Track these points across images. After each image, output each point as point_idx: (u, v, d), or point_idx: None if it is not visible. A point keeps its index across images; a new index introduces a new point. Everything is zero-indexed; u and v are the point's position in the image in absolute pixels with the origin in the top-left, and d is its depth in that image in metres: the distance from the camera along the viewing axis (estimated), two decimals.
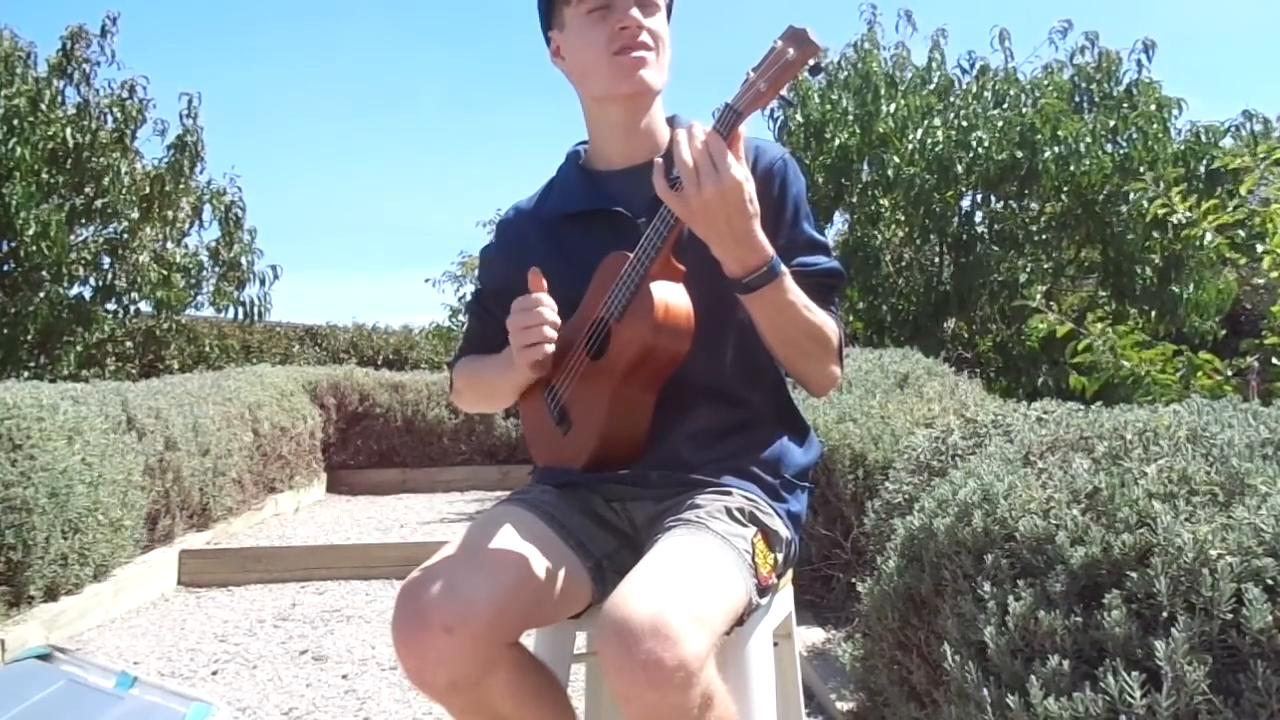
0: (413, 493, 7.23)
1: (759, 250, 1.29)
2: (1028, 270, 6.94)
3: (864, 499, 2.70)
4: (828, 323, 1.41)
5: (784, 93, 1.26)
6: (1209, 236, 3.72)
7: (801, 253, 1.44)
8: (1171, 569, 1.14)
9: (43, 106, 7.11)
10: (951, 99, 7.11)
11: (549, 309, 1.37)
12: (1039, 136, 6.56)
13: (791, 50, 1.22)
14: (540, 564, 1.31)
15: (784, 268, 1.32)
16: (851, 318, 7.14)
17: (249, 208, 8.16)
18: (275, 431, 6.13)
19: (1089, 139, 6.55)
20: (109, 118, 7.48)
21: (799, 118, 7.07)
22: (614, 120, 1.49)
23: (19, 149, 6.79)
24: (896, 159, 6.73)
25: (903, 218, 7.15)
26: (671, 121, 1.53)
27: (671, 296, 1.35)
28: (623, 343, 1.37)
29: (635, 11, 1.40)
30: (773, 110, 7.26)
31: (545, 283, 1.39)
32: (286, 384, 6.77)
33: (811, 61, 1.23)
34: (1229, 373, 3.31)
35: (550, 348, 1.37)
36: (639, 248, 1.35)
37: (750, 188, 1.26)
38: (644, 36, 1.41)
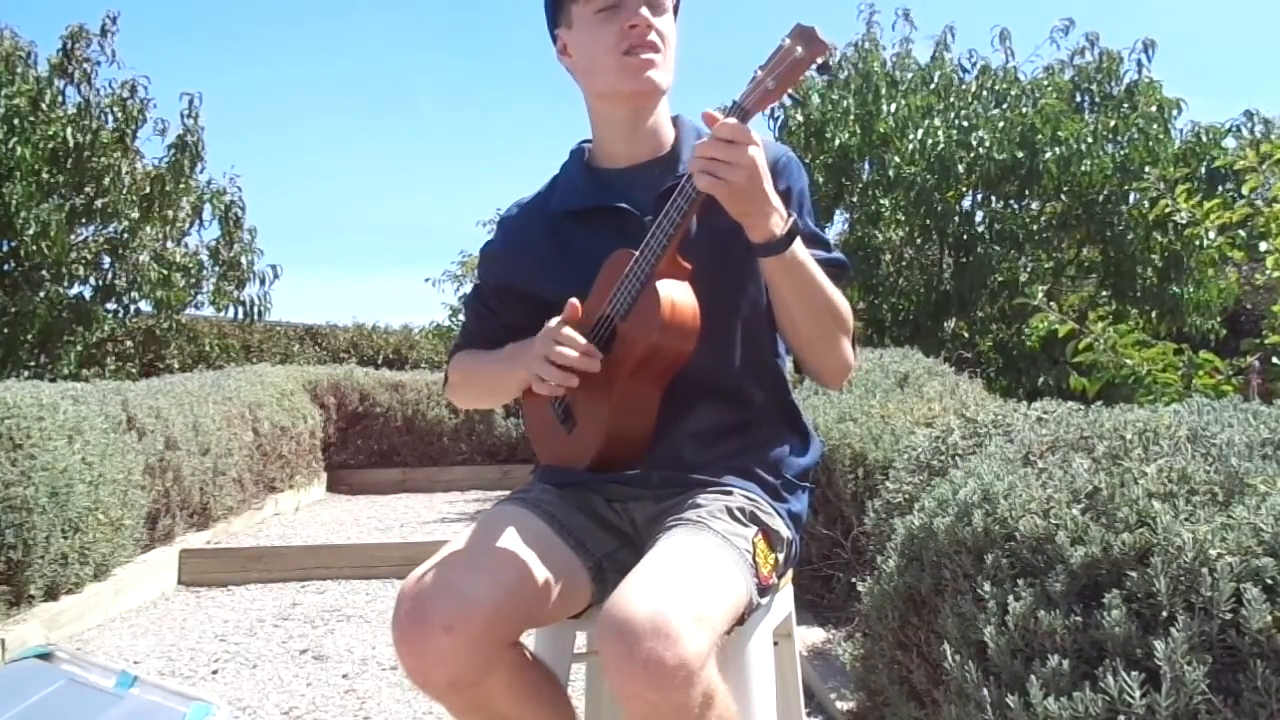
0: (413, 492, 7.23)
1: (780, 203, 1.33)
2: (1028, 270, 6.95)
3: (864, 498, 2.70)
4: (843, 299, 1.43)
5: (789, 91, 1.26)
6: (1211, 235, 3.72)
7: (807, 245, 1.44)
8: (1171, 569, 1.14)
9: (43, 106, 7.11)
10: (952, 99, 7.11)
11: (576, 349, 1.35)
12: (1040, 137, 6.56)
13: (800, 48, 1.22)
14: (540, 564, 1.31)
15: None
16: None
17: (249, 207, 8.18)
18: (275, 431, 6.13)
19: (1090, 139, 6.55)
20: (109, 117, 7.48)
21: (799, 117, 7.07)
22: (619, 119, 1.49)
23: (19, 149, 6.79)
24: (897, 159, 6.73)
25: (903, 217, 7.15)
26: (676, 121, 1.54)
27: (678, 295, 1.34)
28: (628, 341, 1.37)
29: (644, 11, 1.40)
30: (773, 109, 7.26)
31: (579, 312, 1.39)
32: (287, 383, 6.77)
33: (819, 60, 1.23)
34: (1230, 372, 3.31)
35: (573, 382, 1.37)
36: (644, 245, 1.35)
37: (762, 159, 1.29)
38: (652, 36, 1.41)
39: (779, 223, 1.31)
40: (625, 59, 1.41)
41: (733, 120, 1.26)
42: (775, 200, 1.31)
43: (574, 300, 1.38)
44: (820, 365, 1.47)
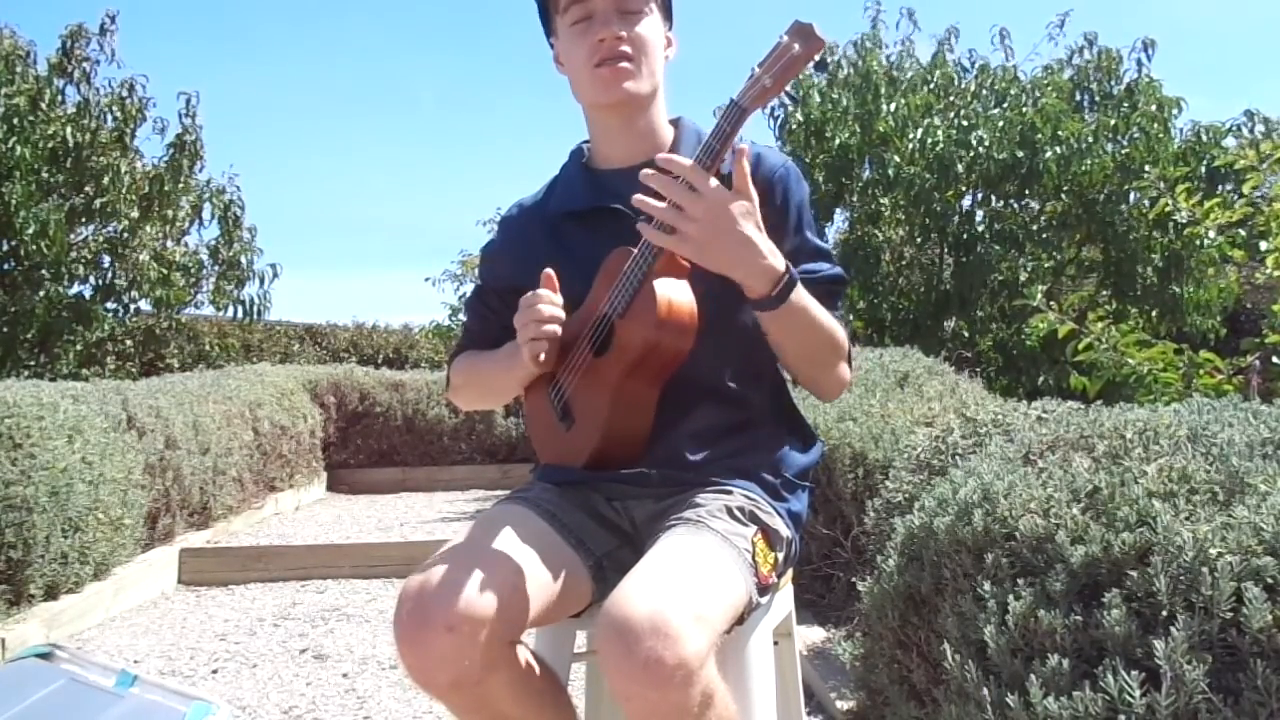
0: (413, 491, 7.23)
1: (776, 255, 1.30)
2: (1028, 269, 6.95)
3: (864, 498, 2.70)
4: (838, 328, 1.42)
5: (787, 88, 1.26)
6: (1211, 235, 3.72)
7: (806, 260, 1.44)
8: (1171, 568, 1.14)
9: (43, 105, 7.11)
10: (951, 98, 7.11)
11: (552, 303, 1.37)
12: (1040, 136, 6.56)
13: (797, 45, 1.22)
14: (541, 563, 1.31)
15: (797, 275, 1.33)
16: (852, 317, 7.14)
17: (248, 206, 8.18)
18: (275, 430, 6.13)
19: (1090, 138, 6.55)
20: (109, 117, 7.48)
21: (799, 116, 7.07)
22: (611, 124, 1.51)
23: (19, 148, 6.79)
24: (897, 158, 6.73)
25: (903, 217, 7.15)
26: (675, 123, 1.54)
27: (675, 293, 1.34)
28: (625, 339, 1.37)
29: (614, 24, 1.41)
30: (773, 108, 7.27)
31: (556, 284, 1.39)
32: (286, 383, 6.77)
33: (816, 56, 1.23)
34: (1230, 372, 3.31)
35: (554, 328, 1.37)
36: (642, 243, 1.35)
37: (738, 207, 1.26)
38: (624, 47, 1.42)
39: (766, 283, 1.29)
40: (597, 71, 1.43)
41: (688, 162, 1.25)
42: (763, 255, 1.28)
43: (547, 271, 1.39)
44: (813, 386, 1.48)
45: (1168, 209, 3.90)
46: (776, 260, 1.30)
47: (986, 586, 1.32)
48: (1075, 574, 1.24)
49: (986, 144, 6.67)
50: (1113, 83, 7.10)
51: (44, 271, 7.12)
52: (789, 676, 1.60)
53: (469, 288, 11.03)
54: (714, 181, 1.25)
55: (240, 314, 8.27)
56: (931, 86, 7.15)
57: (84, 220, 7.46)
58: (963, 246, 7.04)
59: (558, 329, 1.38)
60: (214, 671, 3.05)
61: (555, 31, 1.50)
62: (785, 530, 1.43)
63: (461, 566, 1.27)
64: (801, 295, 1.33)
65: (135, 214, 7.45)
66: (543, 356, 1.39)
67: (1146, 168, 6.47)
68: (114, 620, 3.67)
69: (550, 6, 1.48)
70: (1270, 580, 1.09)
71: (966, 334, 7.20)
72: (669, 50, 1.51)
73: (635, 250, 1.36)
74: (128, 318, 7.93)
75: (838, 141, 6.96)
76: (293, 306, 23.19)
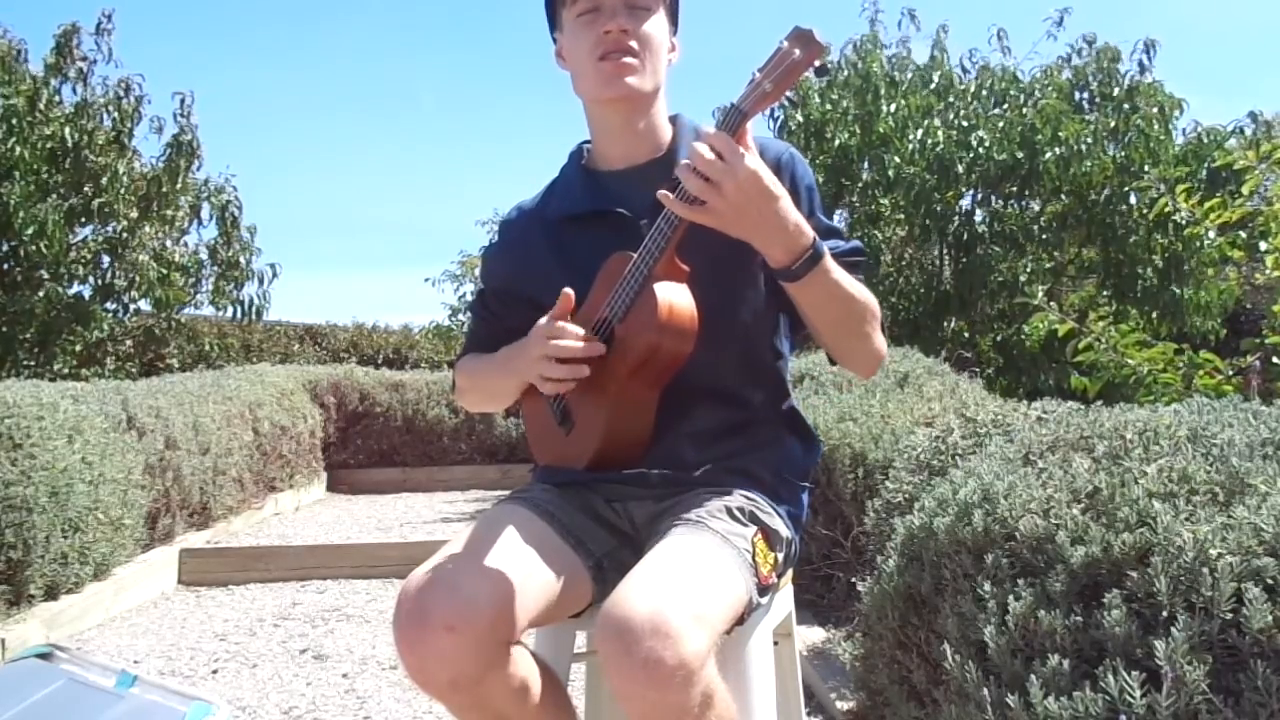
0: (413, 492, 7.24)
1: (801, 232, 1.28)
2: (1028, 270, 6.95)
3: (864, 498, 2.70)
4: (869, 297, 1.41)
5: (787, 93, 1.26)
6: (1211, 235, 3.72)
7: (823, 238, 1.43)
8: (1171, 568, 1.14)
9: (40, 106, 7.10)
10: (951, 99, 7.11)
11: (578, 338, 1.35)
12: (1040, 137, 6.56)
13: (797, 51, 1.22)
14: (541, 563, 1.31)
15: (825, 247, 1.32)
16: None
17: (247, 206, 8.15)
18: (275, 430, 6.13)
19: (1090, 140, 6.55)
20: (105, 117, 7.47)
21: (799, 117, 7.07)
22: (612, 122, 1.50)
23: (17, 148, 6.78)
24: (897, 159, 6.73)
25: (903, 217, 7.15)
26: (674, 121, 1.54)
27: (675, 297, 1.34)
28: (626, 342, 1.37)
29: (621, 17, 1.41)
30: (773, 110, 7.27)
31: (571, 302, 1.38)
32: (286, 383, 6.77)
33: (817, 62, 1.23)
34: (1230, 372, 3.31)
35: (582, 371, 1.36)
36: (642, 248, 1.35)
37: (766, 174, 1.25)
38: (630, 42, 1.42)
39: (788, 255, 1.28)
40: (600, 64, 1.42)
41: (723, 135, 1.23)
42: (789, 222, 1.26)
43: (567, 290, 1.37)
44: (847, 360, 1.47)
45: (1168, 209, 3.90)
46: (801, 234, 1.28)
47: (986, 587, 1.32)
48: (1075, 574, 1.24)
49: (987, 145, 6.67)
50: (1112, 83, 7.10)
51: (43, 271, 7.12)
52: (789, 677, 1.60)
53: (469, 288, 11.07)
54: (747, 156, 1.23)
55: (240, 314, 8.25)
56: (932, 87, 7.15)
57: (83, 220, 7.44)
58: (963, 247, 7.04)
59: (585, 372, 1.36)
60: (214, 672, 3.05)
61: (559, 25, 1.49)
62: (785, 530, 1.43)
63: (461, 567, 1.27)
64: (829, 268, 1.31)
65: (134, 214, 7.45)
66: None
67: (1146, 168, 6.48)
68: (114, 620, 3.67)
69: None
70: (1270, 581, 1.09)
71: (966, 334, 7.20)
72: (672, 54, 1.50)
73: (635, 254, 1.36)
74: (127, 318, 7.92)
75: (838, 142, 6.96)
76: (293, 306, 23.20)
